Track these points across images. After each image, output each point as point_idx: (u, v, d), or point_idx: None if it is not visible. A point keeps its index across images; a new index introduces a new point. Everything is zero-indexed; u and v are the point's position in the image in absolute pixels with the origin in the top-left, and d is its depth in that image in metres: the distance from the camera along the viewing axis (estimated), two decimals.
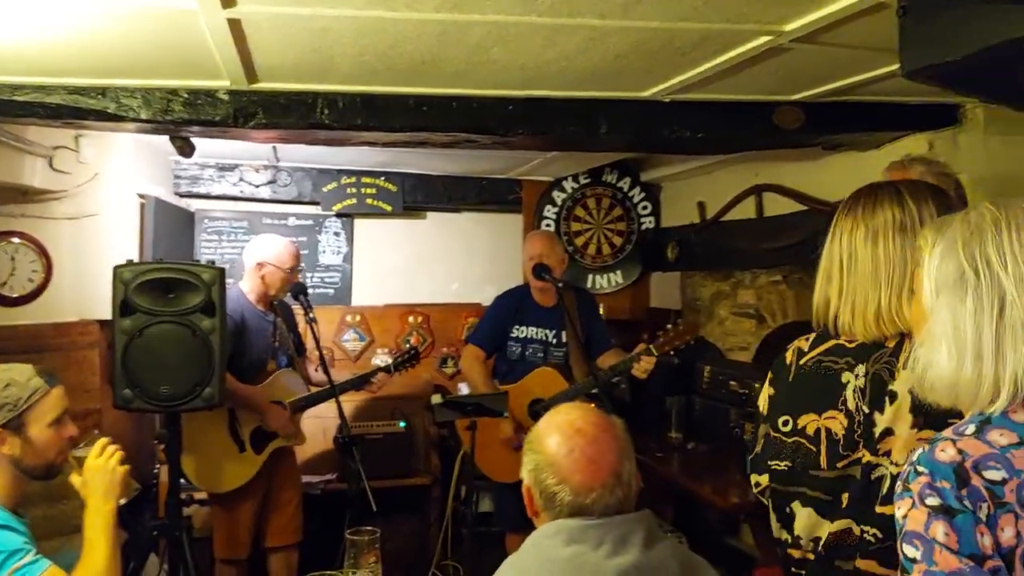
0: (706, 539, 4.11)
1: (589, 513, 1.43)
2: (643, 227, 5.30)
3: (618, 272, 5.33)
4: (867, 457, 1.52)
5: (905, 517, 1.11)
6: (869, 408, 1.53)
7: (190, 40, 2.17)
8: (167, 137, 3.19)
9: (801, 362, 1.67)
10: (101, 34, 2.13)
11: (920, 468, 1.11)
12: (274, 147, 4.19)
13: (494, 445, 3.51)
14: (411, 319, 5.21)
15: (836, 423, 1.57)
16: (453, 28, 2.09)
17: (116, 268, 2.71)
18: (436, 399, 3.41)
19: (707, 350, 4.54)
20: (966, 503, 1.05)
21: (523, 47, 2.28)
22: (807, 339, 1.69)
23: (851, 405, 1.56)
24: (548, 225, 5.23)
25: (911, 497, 1.10)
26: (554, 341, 3.74)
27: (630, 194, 5.28)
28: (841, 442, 1.55)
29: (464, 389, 4.39)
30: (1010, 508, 1.05)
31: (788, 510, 1.63)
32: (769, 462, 1.66)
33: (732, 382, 4.06)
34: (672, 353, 3.39)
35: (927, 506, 1.07)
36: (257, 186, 4.88)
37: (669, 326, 3.39)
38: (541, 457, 1.49)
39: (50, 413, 2.04)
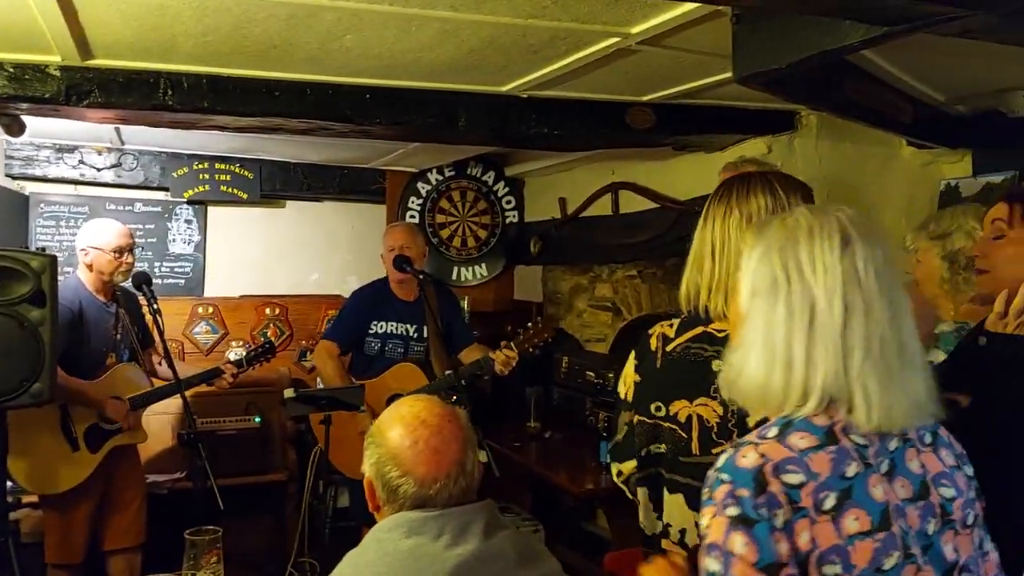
0: (563, 525, 4.22)
1: (432, 504, 1.44)
2: (507, 221, 5.37)
3: (483, 265, 5.38)
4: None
5: (708, 527, 1.11)
6: None
7: (14, 11, 2.02)
8: None
9: (668, 348, 1.64)
10: None
11: (723, 476, 1.11)
12: (117, 128, 3.94)
13: (350, 440, 3.46)
14: (268, 311, 5.05)
15: (708, 410, 1.57)
16: (302, 12, 2.05)
17: None
18: (289, 393, 3.33)
19: (565, 341, 4.67)
20: (762, 511, 1.06)
21: (376, 36, 2.26)
22: (671, 325, 1.67)
23: (724, 394, 1.55)
24: (412, 217, 5.20)
25: (713, 505, 1.11)
26: (415, 336, 3.70)
27: (494, 188, 5.33)
28: (715, 429, 1.56)
29: (322, 384, 4.31)
30: (805, 513, 1.06)
31: (663, 497, 1.63)
32: (650, 447, 1.64)
33: (589, 372, 4.19)
34: (531, 350, 3.46)
35: (727, 516, 1.08)
36: (100, 169, 4.57)
37: (529, 324, 3.46)
38: (384, 450, 1.48)
39: None
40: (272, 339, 3.93)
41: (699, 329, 1.61)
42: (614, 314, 4.37)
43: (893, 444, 1.16)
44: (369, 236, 5.14)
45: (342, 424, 3.42)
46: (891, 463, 1.14)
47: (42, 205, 4.51)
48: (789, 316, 1.15)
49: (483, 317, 4.91)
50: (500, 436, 4.03)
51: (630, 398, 1.71)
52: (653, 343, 1.68)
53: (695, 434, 1.58)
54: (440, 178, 5.25)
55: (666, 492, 1.62)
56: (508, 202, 5.37)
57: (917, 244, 2.31)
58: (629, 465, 1.71)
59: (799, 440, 1.10)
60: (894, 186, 3.17)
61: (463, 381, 3.41)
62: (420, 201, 5.25)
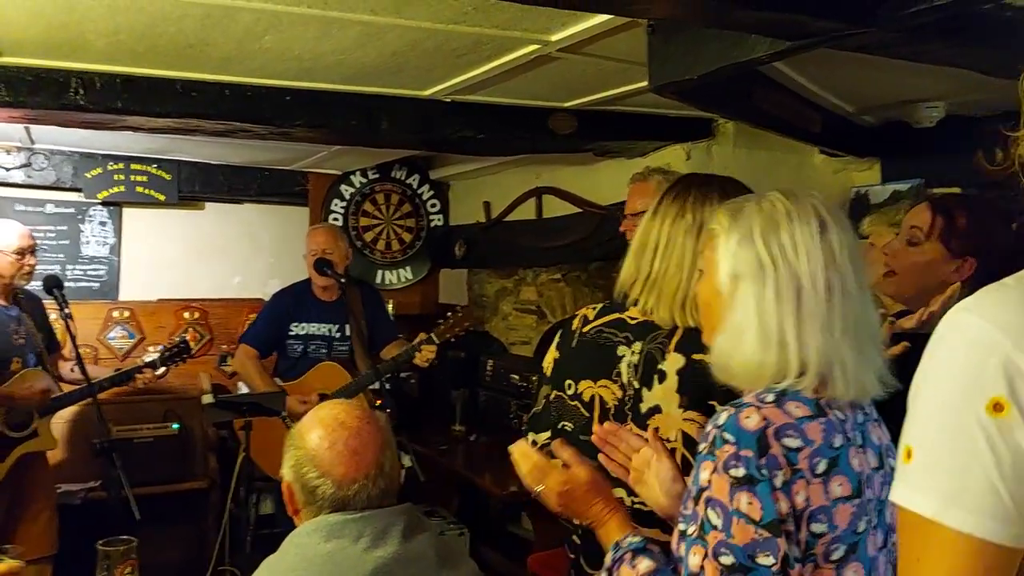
0: (488, 527, 4.24)
1: (351, 506, 1.44)
2: (432, 224, 5.36)
3: (408, 268, 5.36)
4: (635, 430, 1.57)
5: (709, 482, 1.15)
6: (639, 384, 1.59)
7: None
8: None
9: (584, 329, 1.71)
10: None
11: (727, 436, 1.14)
12: (27, 128, 3.79)
13: (275, 443, 3.40)
14: (187, 315, 4.92)
15: (608, 392, 1.62)
16: (218, 12, 2.02)
17: None
18: (207, 399, 3.28)
19: (491, 344, 4.69)
20: (764, 471, 1.11)
21: (296, 37, 2.24)
22: (594, 308, 1.74)
23: (624, 378, 1.61)
24: (336, 219, 5.15)
25: (714, 462, 1.15)
26: (337, 335, 3.69)
27: (419, 191, 5.33)
28: (612, 411, 1.61)
29: (245, 389, 4.23)
30: (802, 474, 1.12)
31: None
32: (561, 423, 1.69)
33: (514, 375, 4.23)
34: (452, 340, 3.45)
35: (731, 476, 1.12)
36: (8, 169, 4.38)
37: (449, 314, 3.46)
38: (302, 452, 1.48)
39: None
40: (187, 340, 3.83)
41: (615, 315, 1.68)
42: (538, 317, 4.42)
43: (860, 417, 1.24)
44: (292, 239, 5.06)
45: (268, 429, 3.36)
46: (861, 435, 1.22)
47: None
48: (778, 298, 1.20)
49: (408, 320, 4.89)
50: (426, 439, 4.02)
51: (549, 373, 1.78)
52: (575, 323, 1.75)
53: (595, 414, 1.64)
54: (364, 181, 5.21)
55: None
56: (433, 205, 5.36)
57: (872, 229, 2.34)
58: (543, 436, 1.75)
59: (795, 408, 1.16)
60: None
61: (387, 377, 3.40)
62: (343, 204, 5.20)
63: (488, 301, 4.86)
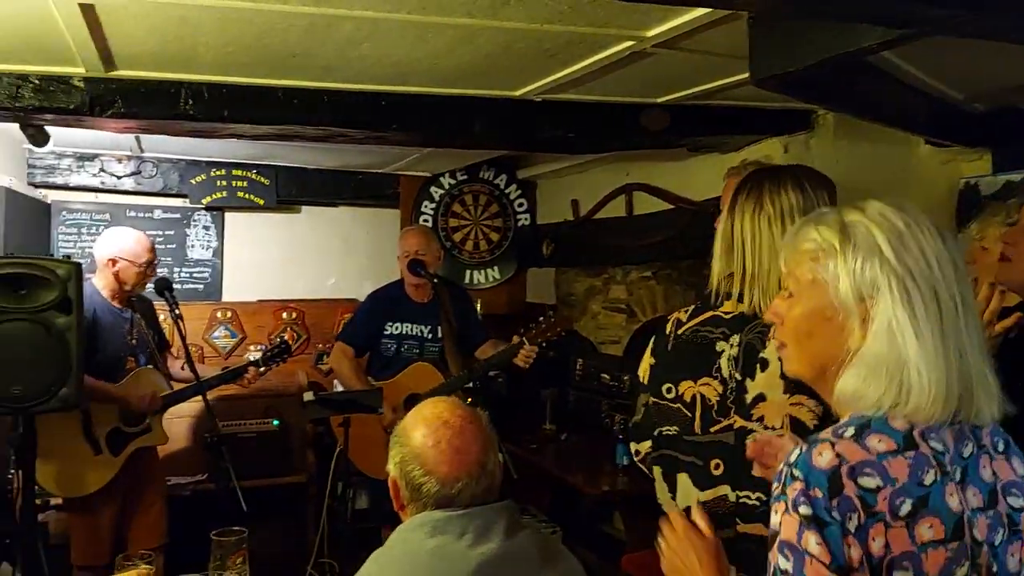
0: (580, 527, 4.24)
1: (455, 503, 1.46)
2: (519, 224, 5.39)
3: (495, 268, 5.40)
4: (739, 422, 1.58)
5: (779, 524, 1.07)
6: (741, 375, 1.59)
7: (40, 24, 2.06)
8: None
9: (679, 332, 1.73)
10: None
11: (796, 472, 1.06)
12: (137, 137, 4.00)
13: (369, 441, 3.49)
14: (285, 315, 5.10)
15: (710, 389, 1.63)
16: (321, 22, 2.08)
17: None
18: (308, 396, 3.36)
19: (580, 344, 4.68)
20: (835, 514, 1.02)
21: (394, 44, 2.29)
22: (685, 311, 1.76)
23: (725, 372, 1.62)
24: (426, 221, 5.23)
25: (785, 501, 1.06)
26: (429, 336, 3.75)
27: (507, 191, 5.36)
28: (715, 407, 1.62)
29: (340, 386, 4.35)
30: (881, 517, 1.02)
31: (675, 477, 1.69)
32: (662, 428, 1.71)
33: (604, 374, 4.20)
34: (544, 344, 3.46)
35: (799, 515, 1.03)
36: (120, 177, 4.63)
37: (541, 318, 3.46)
38: (407, 450, 1.51)
39: None
40: (287, 340, 3.97)
41: (708, 313, 1.69)
42: (628, 316, 4.38)
43: (967, 450, 1.11)
44: (384, 241, 5.18)
45: (362, 425, 3.45)
46: (963, 471, 1.10)
47: (64, 213, 4.58)
48: (924, 315, 1.08)
49: (496, 320, 4.93)
50: (516, 438, 4.05)
51: (646, 380, 1.79)
52: (668, 327, 1.77)
53: (698, 413, 1.65)
54: (453, 182, 5.28)
55: (676, 473, 1.68)
56: (520, 205, 5.39)
57: (986, 232, 2.22)
58: (645, 445, 1.77)
59: (877, 443, 1.05)
60: (913, 185, 3.17)
61: (478, 378, 3.44)
62: (433, 205, 5.28)
63: (576, 300, 4.85)
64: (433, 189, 5.26)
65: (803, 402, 1.52)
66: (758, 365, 1.58)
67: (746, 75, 2.51)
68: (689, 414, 1.66)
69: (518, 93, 2.93)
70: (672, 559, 1.34)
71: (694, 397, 1.66)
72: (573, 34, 2.22)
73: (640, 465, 1.82)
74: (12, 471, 3.89)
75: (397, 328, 3.75)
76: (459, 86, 2.84)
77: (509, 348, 3.43)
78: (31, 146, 3.92)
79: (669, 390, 1.71)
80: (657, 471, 1.75)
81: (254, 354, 4.72)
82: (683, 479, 1.66)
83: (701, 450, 1.64)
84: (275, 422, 4.54)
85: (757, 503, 1.55)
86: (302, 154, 4.52)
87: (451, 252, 5.27)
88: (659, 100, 3.08)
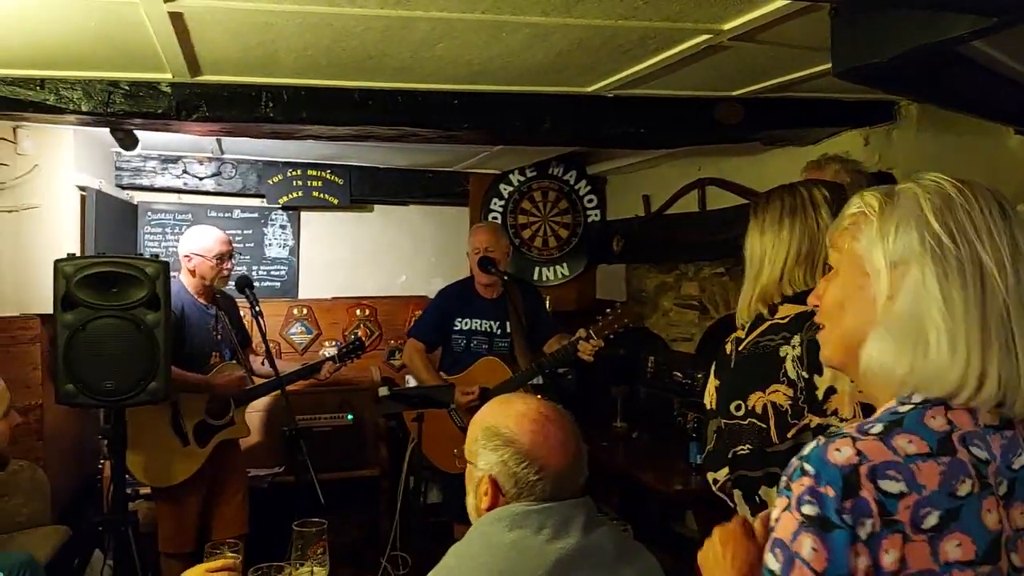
0: (651, 526, 4.20)
1: (562, 496, 1.46)
2: (589, 220, 5.37)
3: (564, 264, 5.40)
4: (815, 420, 1.55)
5: (777, 520, 0.98)
6: (808, 373, 1.57)
7: (131, 33, 2.15)
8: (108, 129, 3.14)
9: (740, 348, 1.72)
10: (40, 25, 2.10)
11: (807, 467, 0.96)
12: (218, 139, 4.13)
13: (442, 436, 3.54)
14: (358, 312, 5.21)
15: (780, 395, 1.60)
16: (398, 24, 2.11)
17: (57, 262, 2.68)
18: (383, 391, 3.42)
19: (651, 341, 4.64)
20: (846, 518, 0.91)
21: (468, 43, 2.31)
22: (742, 328, 1.75)
23: (792, 374, 1.59)
24: (495, 218, 5.26)
25: (788, 497, 0.96)
26: (498, 332, 3.76)
27: (576, 187, 5.35)
28: (788, 412, 1.59)
29: (412, 381, 4.41)
30: (899, 528, 0.91)
31: (758, 498, 1.64)
32: (735, 449, 1.67)
33: (676, 372, 4.16)
34: (611, 336, 3.42)
35: (802, 514, 0.93)
36: (201, 178, 4.81)
37: (608, 310, 3.42)
38: (514, 448, 1.48)
39: (1, 407, 2.06)
40: (362, 337, 4.06)
41: (766, 324, 1.69)
42: (701, 312, 4.33)
43: (1019, 462, 0.99)
44: (453, 238, 5.24)
45: (433, 420, 3.50)
46: (1010, 485, 0.97)
47: (149, 213, 4.77)
48: (960, 285, 0.96)
49: (565, 316, 4.92)
50: (587, 436, 3.99)
51: (714, 405, 1.77)
52: (728, 348, 1.76)
53: (772, 422, 1.62)
54: (522, 179, 5.29)
55: (763, 489, 1.64)
56: (590, 201, 5.37)
57: None
58: (723, 472, 1.74)
59: (907, 443, 0.95)
60: (1001, 178, 3.03)
61: (547, 373, 3.43)
62: (502, 202, 5.31)
63: (647, 297, 4.81)
64: (502, 186, 5.29)
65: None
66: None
67: (825, 66, 2.45)
68: (763, 425, 1.64)
69: (589, 89, 2.92)
70: (707, 548, 1.23)
71: (765, 407, 1.64)
72: (648, 29, 2.20)
73: (720, 495, 1.78)
74: (101, 462, 4.10)
75: (467, 324, 3.78)
76: (530, 84, 2.84)
77: (573, 341, 3.41)
78: (119, 150, 4.09)
79: (738, 407, 1.69)
80: (738, 495, 1.71)
81: (329, 350, 4.84)
82: (768, 493, 1.62)
83: (783, 458, 1.60)
84: (349, 416, 4.64)
85: None
86: (374, 154, 4.61)
87: (520, 249, 5.28)
88: (734, 93, 3.02)
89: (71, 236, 3.79)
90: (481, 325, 3.78)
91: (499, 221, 5.25)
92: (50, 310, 2.82)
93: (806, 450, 0.98)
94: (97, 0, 1.91)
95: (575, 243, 5.38)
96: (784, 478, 0.99)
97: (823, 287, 1.13)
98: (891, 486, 0.92)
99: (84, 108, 2.63)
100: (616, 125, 3.06)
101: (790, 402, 1.59)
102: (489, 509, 1.50)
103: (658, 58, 2.48)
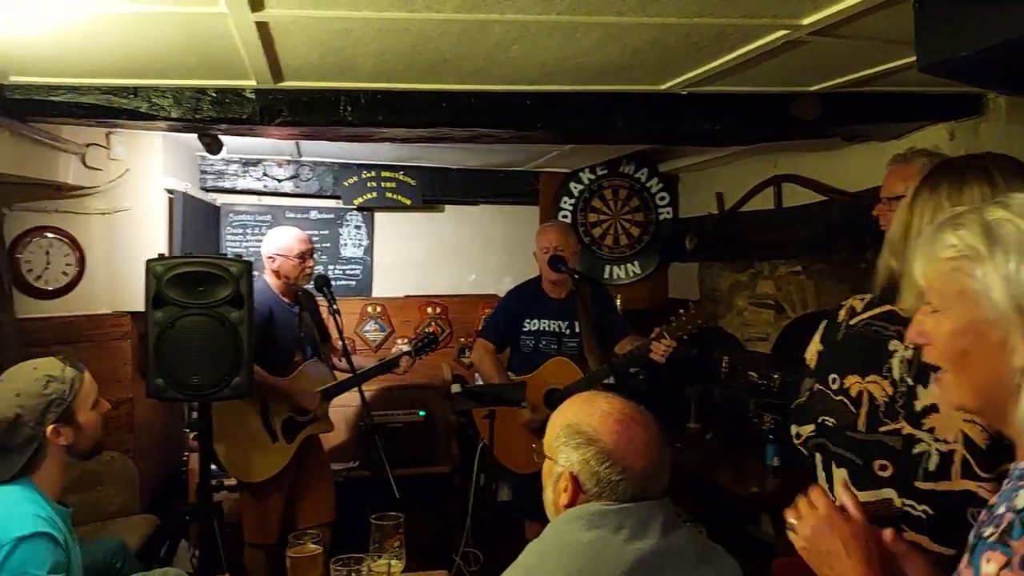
0: (725, 529, 4.14)
1: (648, 497, 1.45)
2: (661, 218, 5.32)
3: (636, 263, 5.36)
4: (907, 429, 1.50)
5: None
6: (914, 380, 1.51)
7: (219, 42, 2.23)
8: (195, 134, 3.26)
9: (852, 322, 1.66)
10: (133, 37, 2.20)
11: None
12: (296, 142, 4.25)
13: (513, 435, 3.56)
14: (430, 310, 5.29)
15: (878, 388, 1.56)
16: (473, 27, 2.14)
17: (148, 262, 2.78)
18: (455, 388, 3.46)
19: (726, 340, 4.57)
20: None
21: (542, 44, 2.32)
22: (862, 299, 1.67)
23: (896, 374, 1.54)
24: (565, 216, 5.26)
25: (1007, 555, 0.90)
26: (567, 332, 3.74)
27: (648, 185, 5.31)
28: (882, 408, 1.55)
29: (480, 381, 4.45)
30: None
31: (831, 468, 1.64)
32: (821, 417, 1.66)
33: (751, 372, 4.09)
34: (685, 337, 3.38)
35: None
36: (280, 180, 4.96)
37: (681, 311, 3.39)
38: (597, 447, 1.47)
39: (90, 396, 2.13)
40: (434, 331, 4.13)
41: (886, 307, 1.60)
42: (776, 312, 4.24)
43: None
44: (522, 237, 5.26)
45: (503, 420, 3.52)
46: None
47: (231, 215, 4.94)
48: None
49: (637, 315, 4.89)
50: None
51: (813, 365, 1.73)
52: (841, 314, 1.69)
53: (863, 411, 1.58)
54: (592, 177, 5.28)
55: (833, 466, 1.63)
56: (662, 198, 5.32)
57: None
58: (807, 428, 1.72)
59: None
60: None
61: (618, 374, 3.41)
62: (572, 201, 5.31)
63: (721, 296, 4.74)
64: (572, 185, 5.28)
65: (977, 420, 1.43)
66: (933, 374, 1.49)
67: (909, 59, 2.39)
68: (854, 410, 1.60)
69: (663, 87, 2.90)
70: (815, 542, 1.24)
71: (860, 393, 1.60)
72: (724, 26, 2.17)
73: (800, 448, 1.76)
74: (186, 454, 4.26)
75: (535, 324, 3.78)
76: (603, 82, 2.84)
77: (646, 342, 3.38)
78: (204, 153, 4.25)
79: (834, 380, 1.65)
80: (818, 457, 1.70)
81: (402, 346, 4.93)
82: (840, 473, 1.60)
83: (863, 449, 1.57)
84: (421, 412, 4.71)
85: (923, 515, 1.48)
86: (446, 155, 4.67)
87: (590, 247, 5.27)
88: (811, 88, 2.96)
89: (159, 237, 3.95)
90: (550, 325, 3.76)
91: (569, 220, 5.25)
92: (139, 308, 2.94)
93: (1022, 501, 0.92)
94: (189, 12, 2.00)
95: (647, 241, 5.34)
96: (992, 528, 0.95)
97: (928, 324, 1.09)
98: None
99: (174, 115, 2.75)
100: (690, 122, 3.03)
101: (887, 399, 1.55)
102: (568, 505, 1.50)
103: (734, 55, 2.45)
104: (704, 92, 2.95)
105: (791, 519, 1.33)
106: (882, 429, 1.55)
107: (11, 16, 2.01)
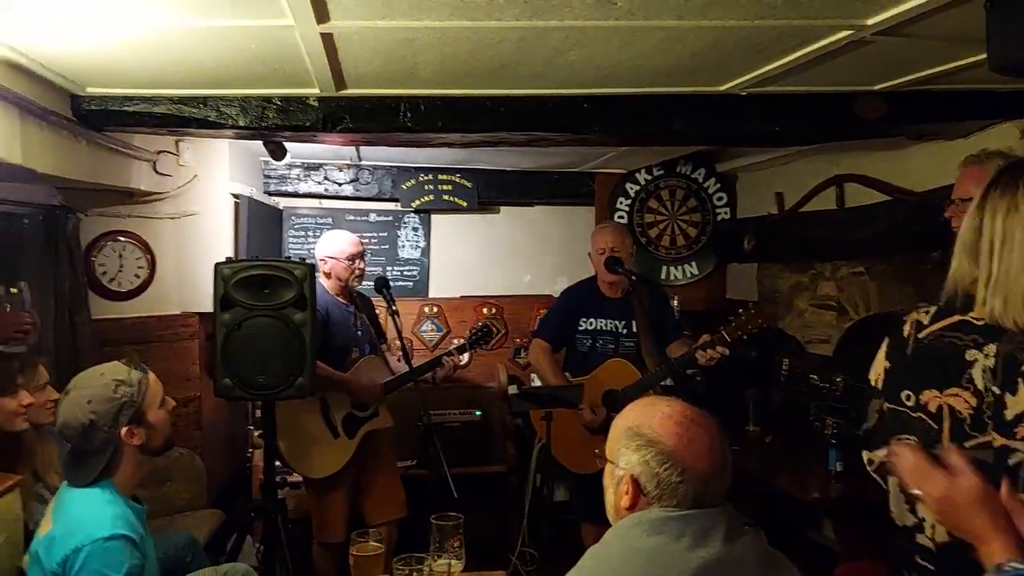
0: (785, 533, 4.08)
1: (708, 503, 1.45)
2: (719, 218, 5.26)
3: (693, 264, 5.32)
4: (1000, 441, 1.44)
5: None
6: (1000, 388, 1.45)
7: (285, 53, 2.30)
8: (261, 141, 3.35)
9: (920, 335, 1.61)
10: (205, 49, 2.28)
11: None
12: (356, 147, 4.34)
13: (570, 436, 3.56)
14: (485, 310, 5.34)
15: (960, 401, 1.51)
16: (532, 34, 2.16)
17: (217, 266, 2.87)
18: (512, 390, 3.48)
19: (786, 342, 4.50)
20: None
21: (600, 49, 2.33)
22: (926, 312, 1.62)
23: (979, 384, 1.49)
24: (621, 217, 5.24)
25: None
26: (624, 332, 3.73)
27: (705, 185, 5.25)
28: (967, 422, 1.49)
29: (536, 381, 4.46)
30: None
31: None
32: (899, 436, 1.60)
33: (812, 375, 4.02)
34: (744, 338, 3.34)
35: None
36: (340, 184, 5.06)
37: (740, 311, 3.34)
38: (657, 448, 1.48)
39: (157, 396, 2.18)
40: (488, 324, 4.14)
41: (956, 317, 1.55)
42: (839, 314, 4.16)
43: None
44: (578, 238, 5.26)
45: (561, 421, 3.52)
46: None
47: (293, 218, 5.06)
48: None
49: (694, 316, 4.84)
50: None
51: (880, 385, 1.68)
52: (906, 329, 1.64)
53: (946, 425, 1.52)
54: (649, 178, 5.25)
55: None
56: (720, 198, 5.26)
57: None
58: (879, 454, 1.67)
59: None
60: None
61: (676, 375, 3.37)
62: (628, 201, 5.28)
63: (781, 297, 4.67)
64: (628, 185, 5.26)
65: None
66: (1021, 380, 1.42)
67: (978, 57, 2.33)
68: (935, 425, 1.54)
69: (721, 88, 2.88)
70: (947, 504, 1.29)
71: (940, 408, 1.54)
72: (786, 28, 2.15)
73: (874, 475, 1.71)
74: (250, 451, 4.38)
75: (591, 324, 3.77)
76: (661, 85, 2.82)
77: (701, 344, 3.34)
78: (267, 158, 4.36)
79: (908, 397, 1.60)
80: (892, 482, 1.64)
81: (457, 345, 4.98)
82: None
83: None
84: (478, 412, 4.75)
85: None
86: (502, 157, 4.70)
87: (647, 248, 5.25)
88: (875, 87, 2.90)
89: (225, 239, 4.08)
90: (607, 325, 3.75)
91: (625, 220, 5.23)
92: (206, 308, 3.04)
93: None
94: (258, 25, 2.06)
95: (704, 242, 5.29)
96: None
97: None
98: None
99: (241, 123, 2.83)
100: (750, 123, 3.00)
101: (971, 412, 1.49)
102: (629, 508, 1.50)
103: (796, 55, 2.42)
104: (764, 92, 2.91)
105: (913, 490, 1.39)
106: (970, 443, 1.48)
107: (91, 30, 2.10)
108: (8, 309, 2.76)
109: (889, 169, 3.70)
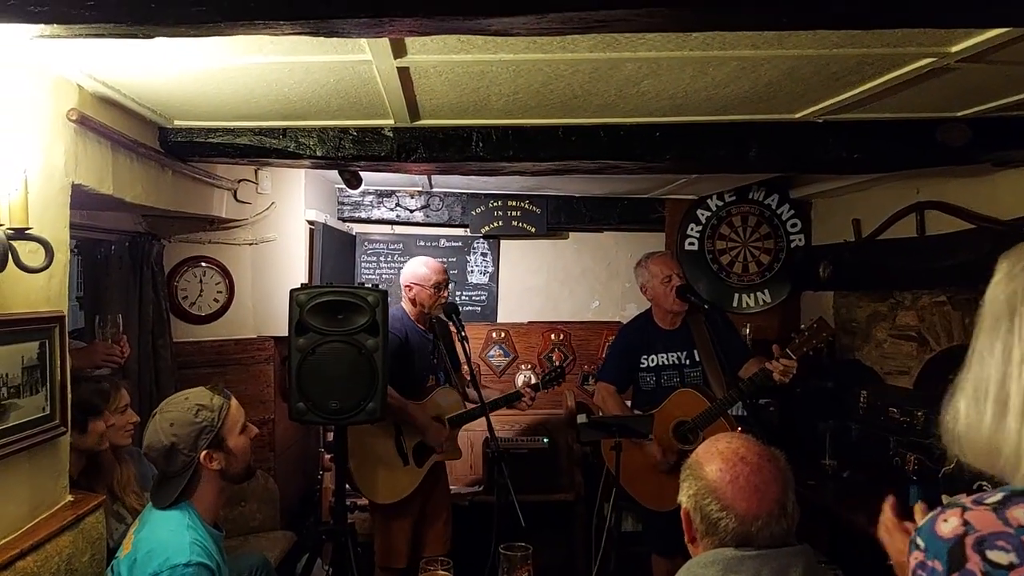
0: (863, 570, 3.93)
1: (754, 542, 1.44)
2: (792, 245, 5.15)
3: (766, 291, 5.21)
4: None
5: None
6: None
7: (363, 86, 2.36)
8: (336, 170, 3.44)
9: None
10: (287, 84, 2.36)
11: (919, 540, 1.00)
12: (429, 175, 4.41)
13: (639, 468, 3.51)
14: (553, 336, 5.33)
15: None
16: (605, 65, 2.17)
17: (292, 291, 2.94)
18: (581, 419, 3.46)
19: (863, 374, 4.36)
20: None
21: (673, 79, 2.32)
22: None
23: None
24: (691, 243, 5.19)
25: (910, 571, 1.01)
26: (687, 362, 3.66)
27: (778, 211, 5.16)
28: None
29: None
30: None
31: None
32: (978, 483, 1.61)
33: (892, 408, 3.87)
34: (810, 352, 3.24)
35: None
36: (412, 211, 5.15)
37: (803, 327, 3.25)
38: (703, 483, 1.50)
39: (237, 423, 2.23)
40: (561, 365, 4.13)
41: None
42: (919, 344, 4.01)
43: None
44: None
45: (630, 452, 3.47)
46: None
47: (365, 243, 5.17)
48: (1006, 357, 1.00)
49: (767, 345, 4.73)
50: (792, 473, 3.84)
51: None
52: None
53: None
54: (720, 204, 5.19)
55: None
56: (793, 225, 5.16)
57: None
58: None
59: (1022, 513, 0.94)
60: None
61: (746, 400, 3.29)
62: (699, 228, 5.22)
63: (859, 327, 4.53)
64: (699, 212, 5.21)
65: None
66: None
67: None
68: None
69: (797, 116, 2.83)
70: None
71: None
72: (865, 56, 2.11)
73: None
74: (321, 473, 4.44)
75: (653, 360, 3.70)
76: (734, 113, 2.80)
77: (767, 365, 3.25)
78: (341, 186, 4.47)
79: None
80: None
81: (525, 374, 4.98)
82: None
83: None
84: (545, 440, 4.73)
85: None
86: (571, 184, 4.71)
87: (719, 275, 5.18)
88: (959, 114, 2.82)
89: (300, 265, 4.19)
90: (668, 358, 3.68)
91: (696, 247, 5.18)
92: (280, 332, 3.11)
93: (922, 521, 1.01)
94: (337, 60, 2.13)
95: (777, 269, 5.18)
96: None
97: None
98: (999, 557, 0.92)
99: (318, 153, 2.92)
100: (827, 151, 2.94)
101: None
102: (689, 541, 1.54)
103: (875, 82, 2.37)
104: (842, 119, 2.86)
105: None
106: None
107: (180, 65, 2.20)
108: (101, 337, 2.88)
109: (972, 196, 3.56)
